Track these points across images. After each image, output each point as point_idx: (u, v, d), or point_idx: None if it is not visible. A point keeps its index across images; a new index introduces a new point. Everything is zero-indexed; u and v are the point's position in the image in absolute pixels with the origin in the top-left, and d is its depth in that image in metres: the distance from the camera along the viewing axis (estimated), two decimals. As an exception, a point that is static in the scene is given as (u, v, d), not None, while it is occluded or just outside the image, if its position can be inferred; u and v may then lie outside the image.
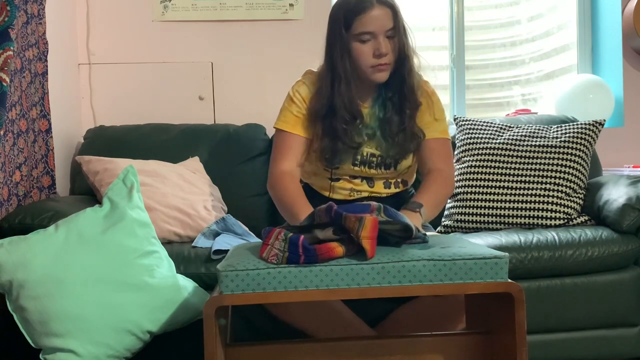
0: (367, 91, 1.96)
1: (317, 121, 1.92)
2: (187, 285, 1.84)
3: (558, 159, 2.45)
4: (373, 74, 1.87)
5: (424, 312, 1.80)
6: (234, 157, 2.66)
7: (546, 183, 2.41)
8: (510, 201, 2.39)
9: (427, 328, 1.77)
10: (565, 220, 2.35)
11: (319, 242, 1.41)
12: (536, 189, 2.40)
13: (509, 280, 1.41)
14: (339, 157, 1.92)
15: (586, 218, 2.37)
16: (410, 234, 1.47)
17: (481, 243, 2.03)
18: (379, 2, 1.82)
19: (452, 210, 2.47)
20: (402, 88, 1.90)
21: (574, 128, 2.53)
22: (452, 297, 1.73)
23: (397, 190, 2.02)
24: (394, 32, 1.84)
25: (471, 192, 2.45)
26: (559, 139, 2.50)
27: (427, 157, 1.95)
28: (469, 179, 2.48)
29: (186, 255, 2.00)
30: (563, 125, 2.59)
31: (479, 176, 2.47)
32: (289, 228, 1.48)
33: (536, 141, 2.51)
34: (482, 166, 2.48)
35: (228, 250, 1.88)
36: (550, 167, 2.43)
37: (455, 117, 2.72)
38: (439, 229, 2.48)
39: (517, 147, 2.50)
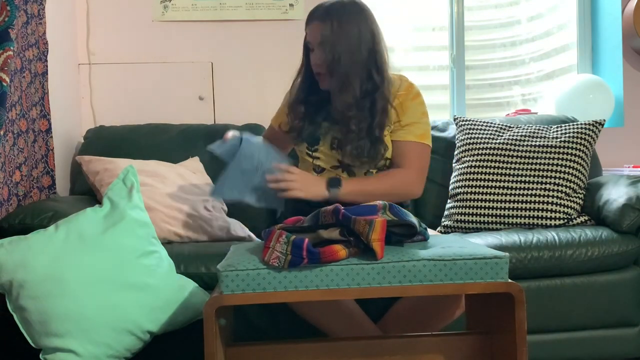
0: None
1: (293, 109, 2.03)
2: (187, 285, 1.84)
3: (558, 159, 2.45)
4: (319, 81, 1.97)
5: (422, 302, 1.81)
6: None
7: (546, 183, 2.41)
8: (510, 201, 2.39)
9: (427, 316, 1.79)
10: (565, 220, 2.35)
11: (323, 242, 1.41)
12: (536, 189, 2.40)
13: (509, 281, 1.41)
14: (309, 126, 1.99)
15: (586, 218, 2.37)
16: (414, 233, 1.47)
17: (481, 243, 2.03)
18: (316, 18, 1.94)
19: (452, 211, 2.47)
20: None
21: (574, 128, 2.53)
22: None
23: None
24: (322, 45, 1.90)
25: (471, 192, 2.45)
26: (559, 139, 2.50)
27: (396, 157, 1.95)
28: (469, 179, 2.48)
29: (186, 255, 2.00)
30: (563, 125, 2.59)
31: (479, 176, 2.47)
32: (290, 229, 1.48)
33: (536, 141, 2.51)
34: (482, 166, 2.48)
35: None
36: (550, 167, 2.43)
37: (455, 117, 2.72)
38: (439, 229, 2.48)
39: (517, 147, 2.50)
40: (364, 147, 1.90)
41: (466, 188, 2.47)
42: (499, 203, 2.40)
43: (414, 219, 1.49)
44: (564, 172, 2.42)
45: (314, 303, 1.73)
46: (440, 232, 2.44)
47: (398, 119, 1.94)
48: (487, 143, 2.54)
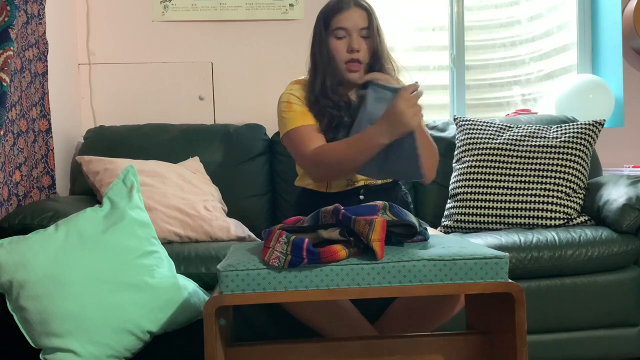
0: (350, 90, 1.99)
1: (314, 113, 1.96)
2: (187, 285, 1.84)
3: (558, 159, 2.45)
4: (347, 73, 1.94)
5: (421, 300, 1.81)
6: (234, 157, 2.66)
7: (546, 183, 2.41)
8: (510, 201, 2.39)
9: (426, 314, 1.79)
10: (565, 220, 2.35)
11: (323, 242, 1.41)
12: (536, 189, 2.40)
13: (509, 280, 1.41)
14: (330, 132, 1.94)
15: (586, 218, 2.37)
16: (414, 233, 1.47)
17: (481, 243, 2.03)
18: (355, 4, 1.94)
19: (452, 211, 2.47)
20: None
21: (574, 128, 2.53)
22: None
23: (389, 179, 2.03)
24: (368, 32, 1.93)
25: (471, 192, 2.45)
26: (559, 139, 2.50)
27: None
28: (469, 179, 2.48)
29: (186, 255, 2.00)
30: (563, 125, 2.59)
31: (479, 176, 2.47)
32: (290, 229, 1.48)
33: (536, 141, 2.51)
34: (482, 166, 2.48)
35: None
36: (550, 167, 2.43)
37: (455, 117, 2.72)
38: (439, 229, 2.48)
39: (517, 147, 2.50)
40: None
41: (466, 188, 2.47)
42: (499, 203, 2.40)
43: (414, 219, 1.49)
44: (564, 172, 2.42)
45: (307, 303, 1.73)
46: (441, 231, 2.44)
47: None
48: (487, 143, 2.54)
